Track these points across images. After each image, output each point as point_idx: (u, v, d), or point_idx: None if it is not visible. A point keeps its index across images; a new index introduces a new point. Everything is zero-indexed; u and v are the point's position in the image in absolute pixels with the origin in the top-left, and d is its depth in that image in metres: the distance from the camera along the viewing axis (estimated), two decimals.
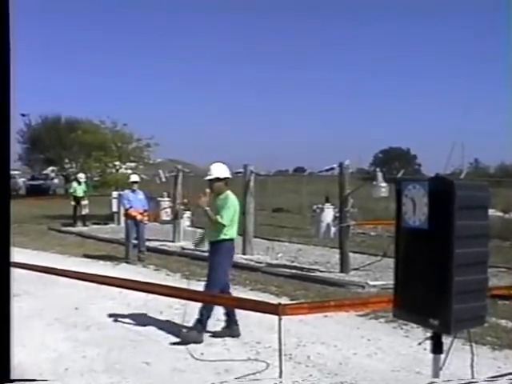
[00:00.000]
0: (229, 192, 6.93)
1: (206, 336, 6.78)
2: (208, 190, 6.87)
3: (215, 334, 6.82)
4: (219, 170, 6.89)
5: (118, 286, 6.91)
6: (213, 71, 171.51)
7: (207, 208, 6.78)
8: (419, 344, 5.66)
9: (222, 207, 6.77)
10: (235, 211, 6.87)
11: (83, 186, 21.34)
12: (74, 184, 21.70)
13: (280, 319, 5.63)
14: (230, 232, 6.84)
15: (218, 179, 6.84)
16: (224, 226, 6.72)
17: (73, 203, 21.04)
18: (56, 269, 7.24)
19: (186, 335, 6.62)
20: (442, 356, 3.33)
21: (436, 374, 3.28)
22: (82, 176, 22.50)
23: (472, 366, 3.79)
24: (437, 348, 3.23)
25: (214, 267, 6.82)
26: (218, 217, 6.71)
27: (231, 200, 6.85)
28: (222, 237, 6.78)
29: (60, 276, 7.44)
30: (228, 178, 6.98)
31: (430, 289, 3.01)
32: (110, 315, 7.78)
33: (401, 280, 3.25)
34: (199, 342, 6.57)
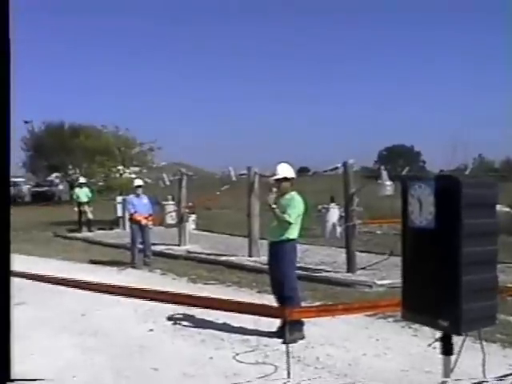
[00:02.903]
0: (294, 192, 6.98)
1: (213, 340, 6.76)
2: (275, 189, 6.90)
3: (276, 334, 6.70)
4: (286, 170, 6.99)
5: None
6: (215, 74, 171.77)
7: (274, 206, 6.81)
8: (429, 345, 5.60)
9: (288, 206, 6.81)
10: (300, 211, 6.90)
11: (86, 190, 21.33)
12: (77, 189, 21.76)
13: (287, 323, 5.58)
14: (293, 232, 6.86)
15: (285, 179, 6.93)
16: (290, 224, 6.75)
17: (76, 209, 21.09)
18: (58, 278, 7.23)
19: (291, 338, 6.32)
20: (453, 356, 3.28)
21: (447, 375, 3.24)
22: (82, 179, 22.52)
23: (483, 365, 3.74)
24: (447, 349, 3.18)
25: (283, 273, 6.80)
26: (286, 215, 6.73)
27: (297, 200, 6.89)
28: (286, 236, 6.80)
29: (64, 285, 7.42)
30: (294, 178, 7.05)
31: (438, 289, 2.96)
32: (117, 321, 7.76)
33: (408, 281, 3.21)
34: (302, 338, 6.63)
